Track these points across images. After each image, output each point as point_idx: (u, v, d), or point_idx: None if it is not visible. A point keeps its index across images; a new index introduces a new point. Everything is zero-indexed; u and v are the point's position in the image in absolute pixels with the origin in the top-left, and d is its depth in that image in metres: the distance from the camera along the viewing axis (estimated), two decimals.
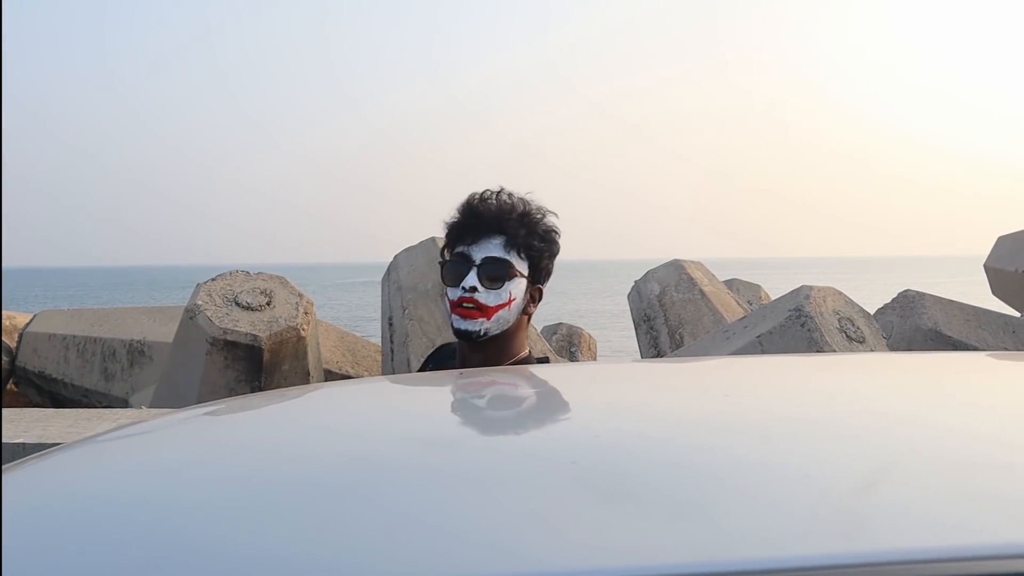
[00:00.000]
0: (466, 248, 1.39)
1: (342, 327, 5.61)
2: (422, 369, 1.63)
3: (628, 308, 5.55)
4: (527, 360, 1.47)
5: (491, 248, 1.37)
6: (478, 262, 1.38)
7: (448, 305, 1.41)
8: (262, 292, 4.02)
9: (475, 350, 1.43)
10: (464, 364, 1.45)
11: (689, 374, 1.15)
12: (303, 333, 3.95)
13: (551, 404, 0.96)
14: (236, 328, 3.84)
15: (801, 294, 3.54)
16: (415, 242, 4.54)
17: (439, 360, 1.59)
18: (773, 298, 5.17)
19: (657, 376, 1.09)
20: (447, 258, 1.44)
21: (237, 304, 3.93)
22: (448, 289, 1.41)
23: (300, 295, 4.11)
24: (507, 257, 1.38)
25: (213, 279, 4.11)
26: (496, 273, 1.37)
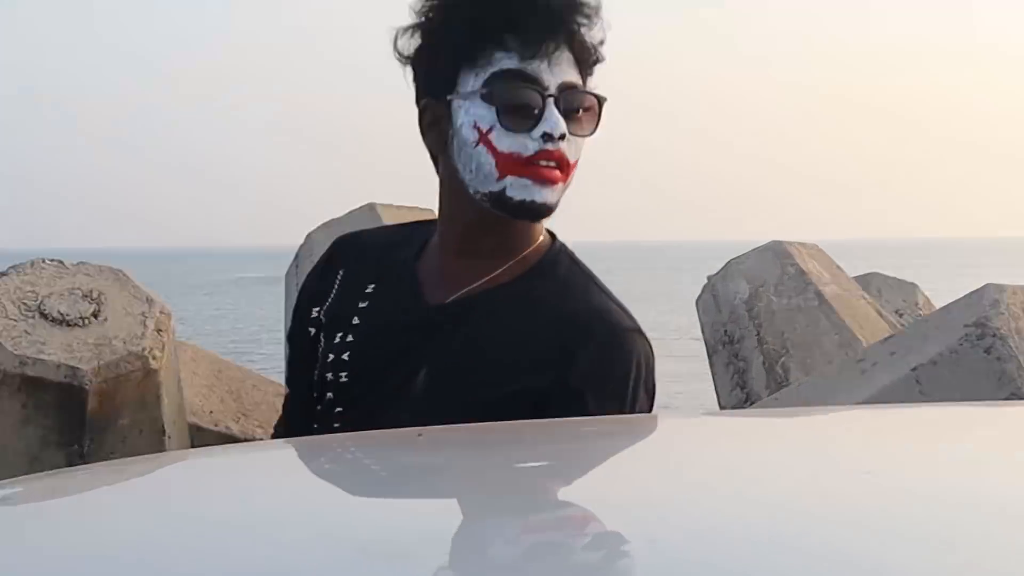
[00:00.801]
0: (526, 65, 1.27)
1: (222, 353, 4.98)
2: (309, 280, 1.48)
3: (697, 321, 4.87)
4: (553, 249, 1.40)
5: (565, 69, 1.30)
6: (554, 91, 1.28)
7: (495, 160, 1.28)
8: (85, 295, 3.76)
9: (489, 232, 1.35)
10: (462, 256, 1.35)
11: (803, 435, 1.12)
12: (153, 364, 3.76)
13: (582, 488, 0.89)
14: (41, 356, 3.64)
15: (984, 299, 3.37)
16: (339, 214, 4.36)
17: (368, 260, 1.40)
18: (937, 305, 4.67)
19: (751, 437, 1.06)
20: (481, 80, 1.28)
21: (43, 315, 3.69)
22: (505, 134, 1.28)
23: (150, 301, 3.83)
24: (582, 84, 1.33)
25: (3, 274, 3.86)
26: (584, 108, 1.32)
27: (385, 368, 1.34)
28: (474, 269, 1.34)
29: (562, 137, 1.27)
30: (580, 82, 1.31)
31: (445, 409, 1.26)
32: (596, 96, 1.32)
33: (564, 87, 1.29)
